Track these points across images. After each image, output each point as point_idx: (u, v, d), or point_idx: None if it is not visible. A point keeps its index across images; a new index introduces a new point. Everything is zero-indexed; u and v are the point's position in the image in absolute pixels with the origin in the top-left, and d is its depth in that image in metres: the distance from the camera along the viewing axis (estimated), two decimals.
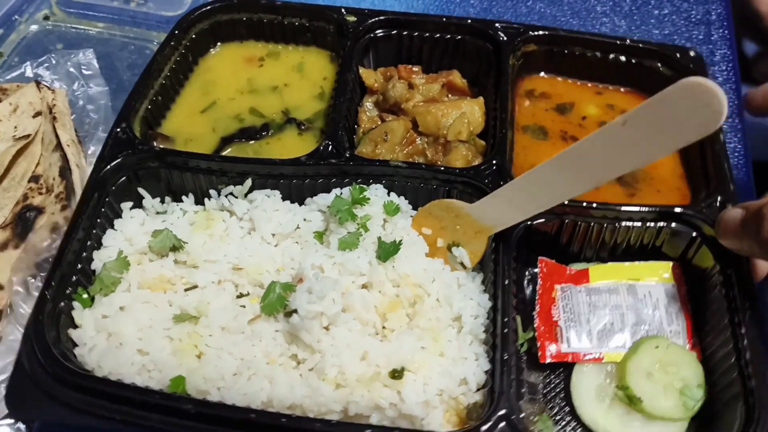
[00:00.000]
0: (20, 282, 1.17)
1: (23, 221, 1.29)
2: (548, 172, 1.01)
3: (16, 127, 1.35)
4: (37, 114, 1.37)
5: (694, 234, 1.16)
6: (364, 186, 1.21)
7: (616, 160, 0.93)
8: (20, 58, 1.61)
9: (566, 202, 1.15)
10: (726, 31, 1.61)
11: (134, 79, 1.31)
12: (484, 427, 0.95)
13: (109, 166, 1.21)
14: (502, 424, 0.95)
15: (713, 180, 1.21)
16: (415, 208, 1.24)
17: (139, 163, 1.23)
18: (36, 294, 1.16)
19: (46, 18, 1.72)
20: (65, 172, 1.32)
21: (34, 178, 1.33)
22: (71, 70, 1.50)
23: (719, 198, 1.17)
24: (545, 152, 1.34)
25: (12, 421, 1.11)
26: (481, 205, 1.12)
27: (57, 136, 1.36)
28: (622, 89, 1.45)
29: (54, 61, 1.53)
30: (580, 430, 1.10)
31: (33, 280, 1.19)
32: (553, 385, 1.15)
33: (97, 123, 1.42)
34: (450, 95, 1.46)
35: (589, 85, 1.46)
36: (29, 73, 1.52)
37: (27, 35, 1.69)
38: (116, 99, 1.47)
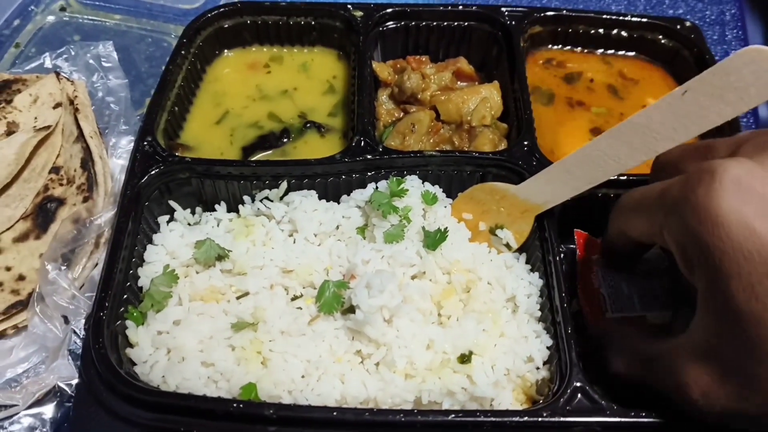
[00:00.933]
0: (50, 273, 1.15)
1: (44, 212, 1.27)
2: (603, 145, 1.04)
3: (36, 118, 1.34)
4: (58, 105, 1.36)
5: None
6: (401, 178, 1.23)
7: (676, 129, 0.96)
8: (37, 49, 1.60)
9: None
10: (740, 32, 1.68)
11: (152, 71, 1.29)
12: (563, 400, 0.97)
13: (142, 181, 1.19)
14: (579, 395, 0.98)
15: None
16: (449, 195, 1.26)
17: (170, 175, 1.22)
18: (64, 284, 1.15)
19: (63, 9, 1.71)
20: (87, 163, 1.31)
21: (55, 170, 1.32)
22: (90, 61, 1.48)
23: None
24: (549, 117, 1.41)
25: (35, 411, 1.10)
26: (529, 185, 1.15)
27: (78, 128, 1.34)
28: (628, 55, 1.51)
29: (73, 53, 1.51)
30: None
31: (60, 271, 1.17)
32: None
33: (118, 115, 1.41)
34: (459, 82, 1.48)
35: (596, 53, 1.51)
36: (48, 64, 1.51)
37: (43, 26, 1.67)
38: (134, 91, 1.47)
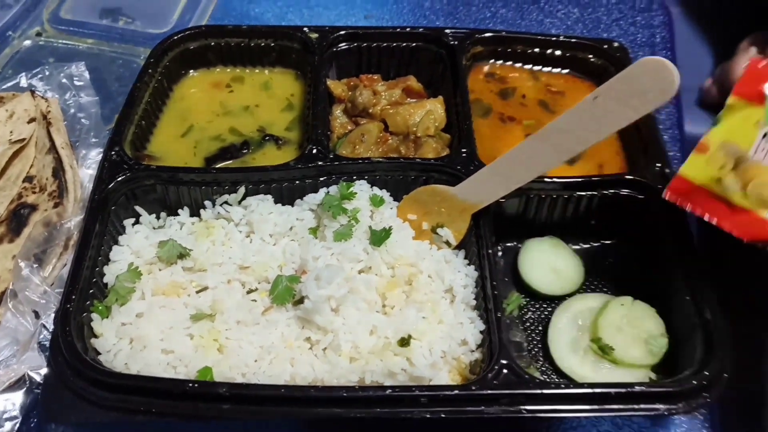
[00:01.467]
0: (23, 270, 1.24)
1: (17, 218, 1.37)
2: (529, 148, 1.16)
3: (11, 132, 1.45)
4: (32, 120, 1.47)
5: (641, 196, 1.33)
6: (350, 182, 1.34)
7: (590, 131, 1.09)
8: (14, 71, 1.70)
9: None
10: (669, 52, 1.84)
11: (122, 90, 1.41)
12: (490, 375, 1.07)
13: (109, 186, 1.29)
14: (505, 371, 1.08)
15: (650, 149, 1.38)
16: (395, 199, 1.37)
17: (136, 182, 1.31)
18: (37, 280, 1.25)
19: (39, 34, 1.82)
20: (58, 172, 1.42)
21: (28, 179, 1.42)
22: (64, 81, 1.58)
23: (657, 164, 1.35)
24: (484, 129, 1.52)
25: (6, 396, 1.17)
26: (466, 186, 1.26)
27: (51, 140, 1.45)
28: (560, 72, 1.64)
29: (47, 73, 1.62)
30: (557, 377, 1.25)
31: (32, 269, 1.26)
32: (534, 342, 1.30)
33: (89, 129, 1.52)
34: (409, 98, 1.60)
35: (532, 69, 1.65)
36: (24, 83, 1.61)
37: (20, 50, 1.78)
38: (104, 108, 1.58)
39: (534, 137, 1.18)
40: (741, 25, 1.95)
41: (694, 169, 1.06)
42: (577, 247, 1.43)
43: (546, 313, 1.33)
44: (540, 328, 1.32)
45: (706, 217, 1.06)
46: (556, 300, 1.34)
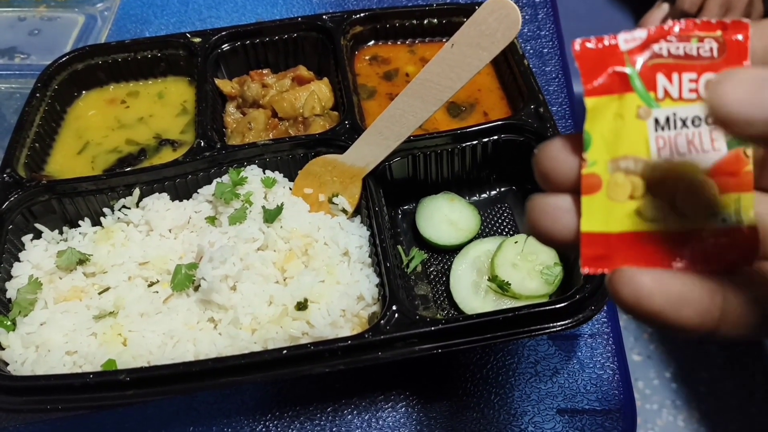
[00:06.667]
0: None
1: None
2: (401, 104, 1.21)
3: None
4: None
5: (521, 138, 1.39)
6: (241, 168, 1.37)
7: (451, 78, 1.15)
8: None
9: (412, 138, 1.35)
10: (550, 9, 1.91)
11: None
12: (383, 322, 1.11)
13: (2, 207, 1.31)
14: (396, 315, 1.11)
15: (525, 93, 1.44)
16: (290, 179, 1.41)
17: (30, 199, 1.34)
18: None
19: None
20: None
21: None
22: None
23: (532, 106, 1.40)
24: (373, 109, 1.57)
25: None
26: (351, 151, 1.31)
27: None
28: (441, 41, 1.69)
29: None
30: None
31: None
32: (440, 293, 1.34)
33: None
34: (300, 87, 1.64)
35: (409, 45, 1.70)
36: None
37: None
38: (4, 140, 1.56)
39: (403, 93, 1.23)
40: None
41: (596, 217, 0.66)
42: (475, 198, 1.48)
43: (448, 264, 1.37)
44: (444, 279, 1.36)
45: None
46: (457, 251, 1.38)
